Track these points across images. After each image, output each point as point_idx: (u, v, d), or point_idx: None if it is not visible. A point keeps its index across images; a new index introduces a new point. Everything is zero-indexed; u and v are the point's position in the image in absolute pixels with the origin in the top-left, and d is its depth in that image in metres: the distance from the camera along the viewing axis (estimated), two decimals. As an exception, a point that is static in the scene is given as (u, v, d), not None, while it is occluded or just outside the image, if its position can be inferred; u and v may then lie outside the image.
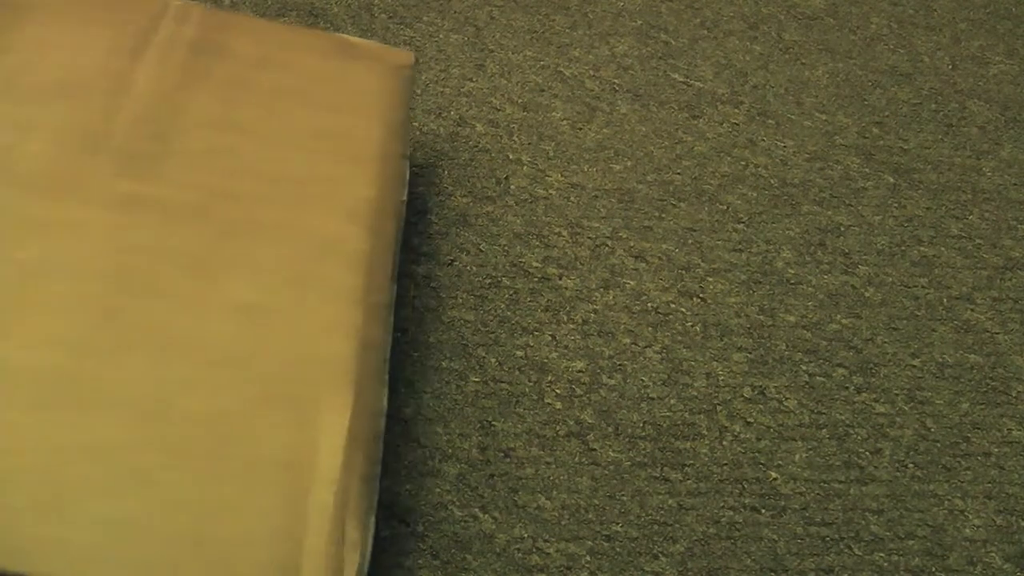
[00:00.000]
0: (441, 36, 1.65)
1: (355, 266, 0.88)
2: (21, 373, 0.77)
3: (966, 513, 1.19)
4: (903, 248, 1.44)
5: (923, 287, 1.40)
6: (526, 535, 0.97)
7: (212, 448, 0.75)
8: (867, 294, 1.38)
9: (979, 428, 1.26)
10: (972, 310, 1.38)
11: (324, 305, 0.84)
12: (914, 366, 1.31)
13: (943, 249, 1.44)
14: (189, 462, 0.75)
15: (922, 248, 1.44)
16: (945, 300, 1.38)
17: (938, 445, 1.24)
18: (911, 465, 1.22)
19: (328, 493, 0.75)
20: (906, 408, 1.27)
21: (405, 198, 0.95)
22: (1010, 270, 1.42)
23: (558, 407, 1.14)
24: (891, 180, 1.53)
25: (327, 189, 0.93)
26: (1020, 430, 1.26)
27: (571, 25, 1.72)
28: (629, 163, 1.49)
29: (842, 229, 1.46)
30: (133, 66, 0.98)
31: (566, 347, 1.21)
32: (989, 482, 1.21)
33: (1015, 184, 1.53)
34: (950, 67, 1.71)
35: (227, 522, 0.72)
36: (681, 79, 1.64)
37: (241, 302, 0.84)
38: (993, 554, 1.16)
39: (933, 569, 1.15)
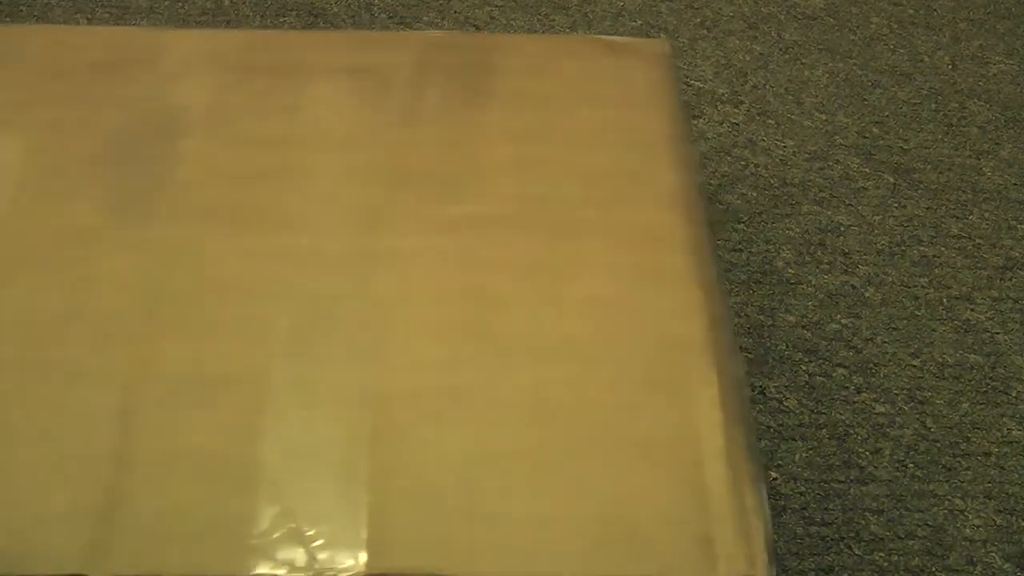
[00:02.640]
0: (441, 36, 1.65)
1: (681, 249, 0.92)
2: (410, 392, 0.82)
3: (966, 513, 1.19)
4: (903, 248, 1.44)
5: (923, 287, 1.40)
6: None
7: (605, 437, 0.80)
8: (867, 294, 1.38)
9: (979, 428, 1.26)
10: (972, 310, 1.38)
11: (665, 290, 0.89)
12: (914, 366, 1.31)
13: (943, 249, 1.44)
14: (588, 454, 0.79)
15: (922, 248, 1.44)
16: (945, 300, 1.38)
17: (938, 445, 1.24)
18: (911, 465, 1.22)
19: (720, 465, 0.78)
20: (906, 408, 1.27)
21: (702, 179, 0.99)
22: (1010, 270, 1.42)
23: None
24: (891, 180, 1.53)
25: (632, 180, 0.97)
26: (1020, 430, 1.26)
27: (571, 25, 1.72)
28: (629, 163, 1.49)
29: (842, 229, 1.46)
30: (413, 98, 1.04)
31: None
32: (989, 482, 1.21)
33: (1015, 184, 1.53)
34: (950, 67, 1.71)
35: (637, 504, 0.76)
36: (681, 79, 1.64)
37: (591, 297, 0.88)
38: (993, 554, 1.16)
39: (933, 569, 1.15)
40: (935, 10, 1.80)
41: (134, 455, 0.79)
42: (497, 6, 1.74)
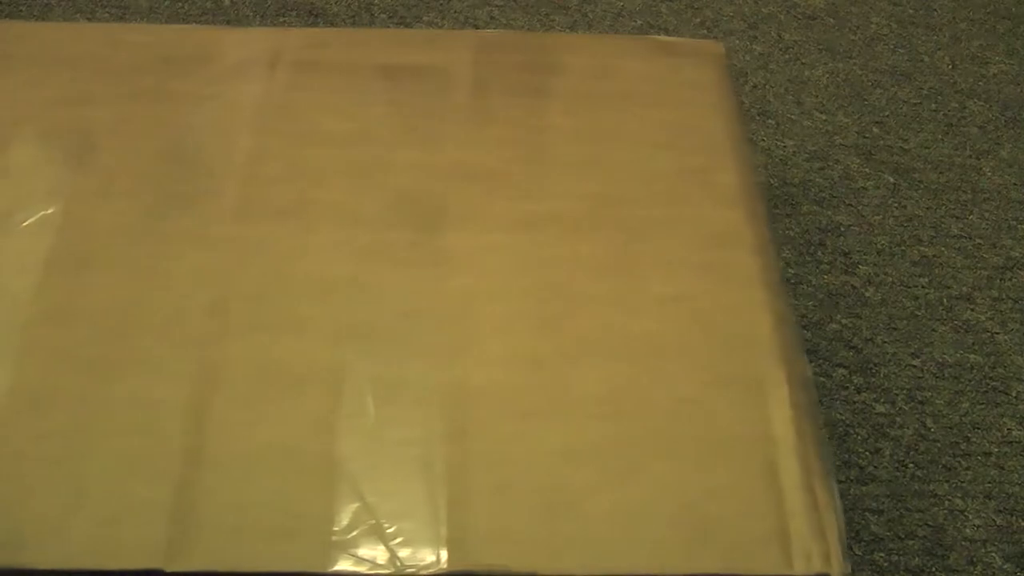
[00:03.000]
0: (441, 36, 1.65)
1: (747, 247, 0.93)
2: (487, 389, 0.83)
3: (966, 513, 1.19)
4: (903, 248, 1.44)
5: (923, 287, 1.40)
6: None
7: (680, 433, 0.81)
8: (867, 294, 1.38)
9: (979, 428, 1.26)
10: (972, 310, 1.38)
11: (734, 288, 0.90)
12: (914, 366, 1.31)
13: (943, 249, 1.44)
14: (664, 450, 0.80)
15: (922, 248, 1.44)
16: (945, 300, 1.38)
17: (938, 445, 1.24)
18: (911, 465, 1.22)
19: (793, 462, 0.80)
20: (906, 408, 1.27)
21: (763, 180, 0.99)
22: (1010, 270, 1.42)
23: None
24: (891, 180, 1.53)
25: (697, 180, 0.98)
26: (1020, 430, 1.26)
27: (571, 25, 1.72)
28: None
29: (842, 229, 1.46)
30: (478, 97, 1.06)
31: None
32: (989, 482, 1.21)
33: (1015, 184, 1.53)
34: (950, 67, 1.71)
35: (714, 500, 0.77)
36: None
37: (661, 295, 0.89)
38: (993, 554, 1.16)
39: (933, 569, 1.15)
40: (935, 10, 1.80)
41: (208, 450, 0.79)
42: (497, 6, 1.74)
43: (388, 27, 1.67)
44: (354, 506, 0.77)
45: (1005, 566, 1.15)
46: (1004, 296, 1.39)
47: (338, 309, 0.88)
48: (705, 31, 1.73)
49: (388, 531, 0.76)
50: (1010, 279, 1.41)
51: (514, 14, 1.73)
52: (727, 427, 0.81)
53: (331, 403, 0.82)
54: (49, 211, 0.94)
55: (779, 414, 0.82)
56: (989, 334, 1.35)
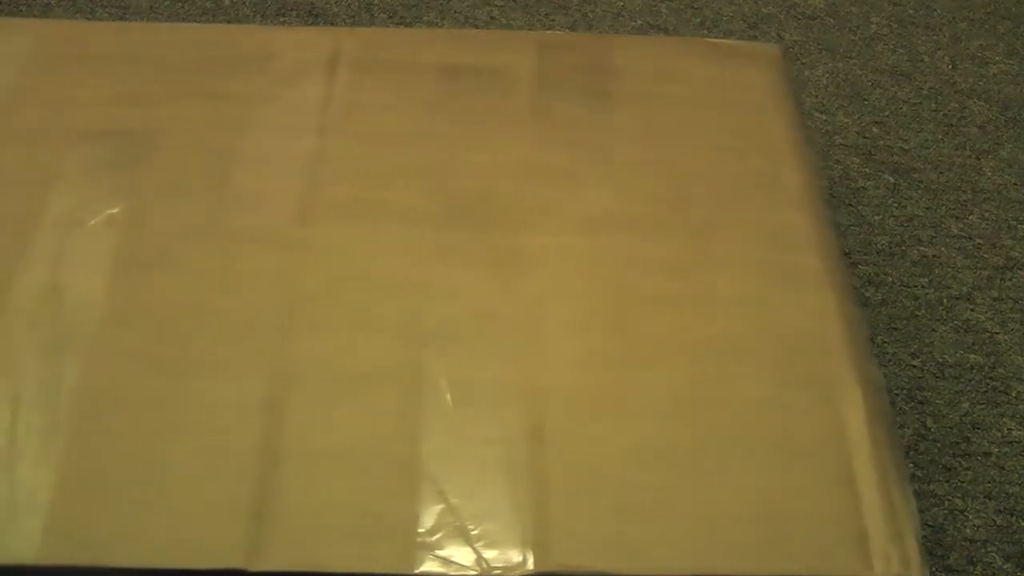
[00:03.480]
0: (441, 36, 1.65)
1: (814, 252, 0.93)
2: (563, 390, 0.83)
3: (966, 513, 1.19)
4: (903, 248, 1.44)
5: (923, 287, 1.40)
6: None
7: (756, 435, 0.81)
8: (867, 294, 1.38)
9: (979, 428, 1.26)
10: (972, 310, 1.38)
11: (803, 291, 0.90)
12: (914, 366, 1.31)
13: (943, 249, 1.44)
14: (741, 451, 0.80)
15: (922, 248, 1.44)
16: (945, 300, 1.38)
17: (938, 445, 1.24)
18: (911, 465, 1.22)
19: (868, 464, 0.80)
20: (906, 408, 1.27)
21: (825, 183, 1.00)
22: (1010, 270, 1.42)
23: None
24: (891, 180, 1.53)
25: (761, 183, 0.99)
26: (1020, 430, 1.26)
27: (571, 25, 1.72)
28: (629, 163, 1.49)
29: (842, 229, 1.46)
30: (541, 98, 1.06)
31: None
32: (989, 482, 1.21)
33: (1015, 184, 1.53)
34: (950, 67, 1.71)
35: (792, 502, 0.77)
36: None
37: (731, 297, 0.89)
38: (993, 554, 1.16)
39: (933, 569, 1.15)
40: (935, 10, 1.80)
41: (286, 450, 0.79)
42: (497, 6, 1.74)
43: (388, 27, 1.67)
44: (438, 507, 0.77)
45: (1005, 566, 1.15)
46: (1004, 296, 1.39)
47: (410, 309, 0.88)
48: (705, 31, 1.73)
49: (472, 532, 0.76)
50: (1010, 279, 1.41)
51: (514, 14, 1.73)
52: (801, 429, 0.81)
53: (408, 403, 0.82)
54: (113, 211, 0.94)
55: (853, 417, 0.82)
56: (989, 334, 1.35)
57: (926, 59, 1.71)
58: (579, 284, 0.90)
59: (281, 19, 1.69)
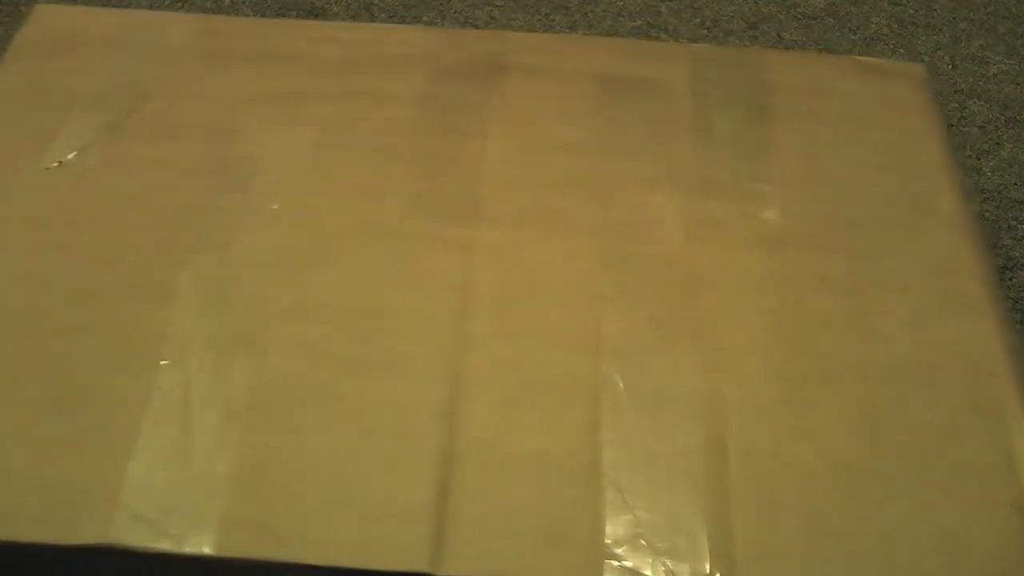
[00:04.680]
0: (441, 36, 1.65)
1: (975, 277, 0.93)
2: (743, 404, 0.83)
3: (966, 513, 1.19)
4: (903, 248, 1.44)
5: (923, 287, 1.40)
6: None
7: (932, 458, 0.81)
8: (867, 294, 1.38)
9: (979, 428, 1.26)
10: (972, 310, 1.37)
11: (965, 316, 0.90)
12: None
13: (943, 249, 1.44)
14: (919, 473, 0.80)
15: (922, 248, 1.44)
16: (945, 300, 1.38)
17: None
18: None
19: None
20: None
21: (977, 206, 1.00)
22: (1010, 270, 1.42)
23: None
24: (891, 180, 1.53)
25: (920, 204, 0.98)
26: None
27: (571, 25, 1.72)
28: (629, 163, 1.48)
29: (842, 229, 1.46)
30: (699, 113, 1.05)
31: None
32: (989, 482, 1.21)
33: (1015, 184, 1.53)
34: (950, 67, 1.71)
35: (971, 526, 0.77)
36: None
37: (898, 319, 0.89)
38: (993, 554, 1.16)
39: (933, 569, 1.14)
40: (935, 10, 1.80)
41: (468, 455, 0.78)
42: (497, 6, 1.74)
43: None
44: (623, 517, 0.76)
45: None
46: (1004, 296, 1.39)
47: (587, 317, 0.87)
48: (705, 31, 1.73)
49: (657, 544, 0.75)
50: (1010, 279, 1.41)
51: (514, 14, 1.73)
52: (976, 455, 0.81)
53: (588, 412, 0.81)
54: (282, 206, 0.94)
55: (1021, 444, 0.82)
56: (989, 334, 1.35)
57: (926, 59, 1.71)
58: (753, 300, 0.90)
59: (281, 18, 1.69)
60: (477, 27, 1.70)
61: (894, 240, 0.95)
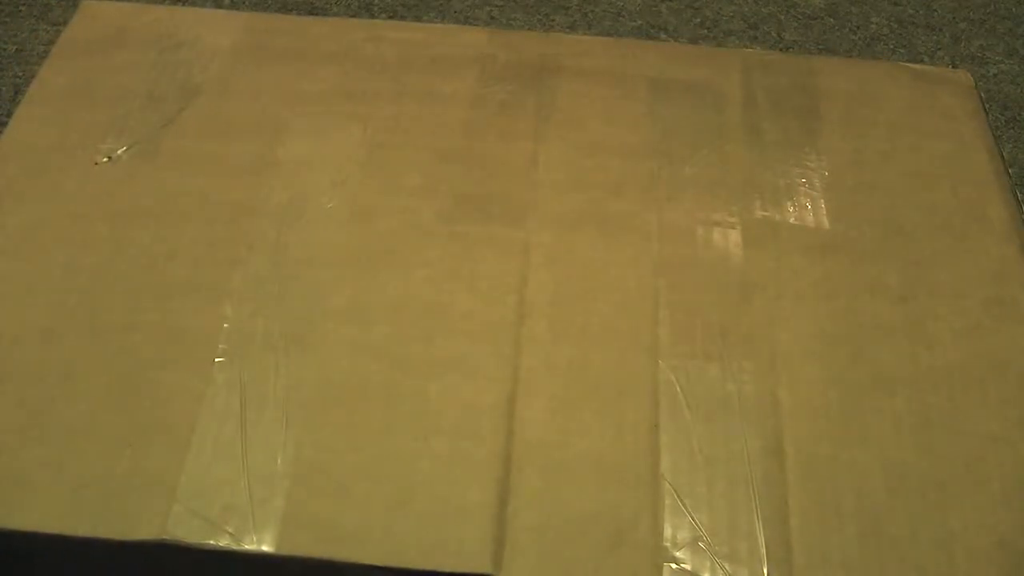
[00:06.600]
0: (441, 36, 1.65)
1: None
2: (800, 410, 0.83)
3: (967, 513, 1.19)
4: (903, 248, 1.44)
5: (923, 287, 1.40)
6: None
7: (994, 470, 0.81)
8: (867, 294, 1.38)
9: (980, 428, 1.26)
10: (972, 310, 1.37)
11: (1018, 324, 0.90)
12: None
13: (943, 249, 1.44)
14: (977, 482, 0.80)
15: (922, 248, 1.44)
16: (945, 300, 1.38)
17: (939, 445, 1.24)
18: None
19: None
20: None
21: None
22: (1010, 270, 1.42)
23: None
24: (891, 180, 1.53)
25: (971, 213, 0.99)
26: (1021, 430, 1.26)
27: (571, 25, 1.72)
28: (629, 163, 1.48)
29: (842, 229, 1.46)
30: (751, 119, 1.05)
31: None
32: (990, 482, 1.21)
33: (1015, 184, 1.53)
34: (950, 67, 1.71)
35: (1019, 536, 0.77)
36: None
37: (953, 329, 0.89)
38: (994, 554, 1.16)
39: (934, 569, 1.14)
40: (935, 10, 1.80)
41: (528, 457, 0.78)
42: (497, 6, 1.74)
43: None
44: (682, 520, 0.76)
45: (1006, 566, 1.15)
46: None
47: (643, 320, 0.87)
48: (705, 31, 1.73)
49: (716, 548, 0.75)
50: (1010, 279, 1.41)
51: (514, 14, 1.72)
52: None
53: (647, 415, 0.82)
54: (336, 204, 0.93)
55: None
56: (989, 334, 1.35)
57: (926, 59, 1.71)
58: (809, 306, 0.90)
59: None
60: (477, 27, 1.70)
61: (945, 248, 0.95)
